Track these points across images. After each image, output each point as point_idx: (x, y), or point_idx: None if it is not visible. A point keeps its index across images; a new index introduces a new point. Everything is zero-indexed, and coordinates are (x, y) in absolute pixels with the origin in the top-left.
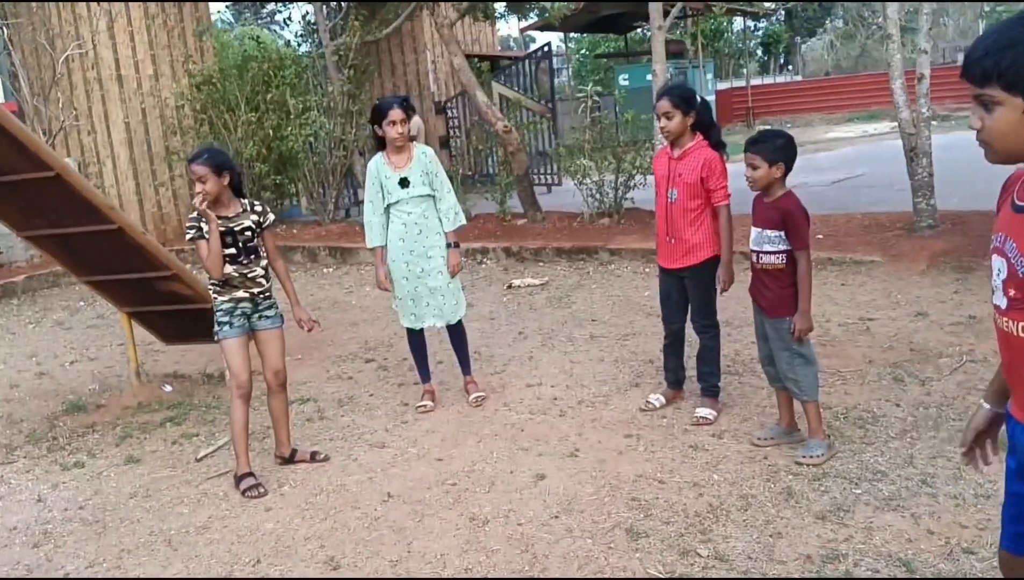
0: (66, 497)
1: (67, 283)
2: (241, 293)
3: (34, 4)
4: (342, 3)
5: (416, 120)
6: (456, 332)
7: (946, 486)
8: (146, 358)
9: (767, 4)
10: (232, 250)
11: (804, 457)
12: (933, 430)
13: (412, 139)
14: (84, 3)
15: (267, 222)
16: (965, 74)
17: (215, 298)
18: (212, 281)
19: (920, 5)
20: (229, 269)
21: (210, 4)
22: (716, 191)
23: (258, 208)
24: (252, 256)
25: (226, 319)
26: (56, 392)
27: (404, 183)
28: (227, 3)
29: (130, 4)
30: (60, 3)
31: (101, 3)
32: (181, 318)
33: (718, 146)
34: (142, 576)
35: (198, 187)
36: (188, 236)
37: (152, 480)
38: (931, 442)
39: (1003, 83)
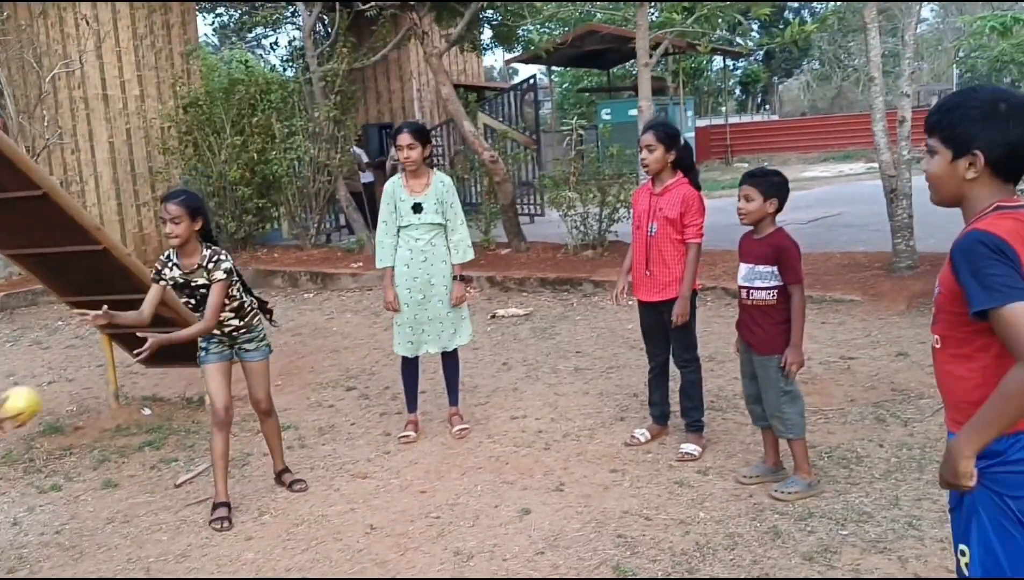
0: (42, 521)
1: (45, 302)
2: (215, 331)
3: (23, 22)
4: (331, 30)
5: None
6: (450, 360)
7: (932, 529)
8: (125, 380)
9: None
10: (192, 301)
11: (777, 491)
12: (917, 472)
13: (394, 166)
14: (73, 22)
15: (215, 280)
16: (925, 125)
17: None
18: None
19: (902, 48)
20: (196, 315)
21: (199, 27)
22: (689, 227)
23: (210, 265)
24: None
25: (204, 345)
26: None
27: (417, 208)
28: (213, 27)
29: (119, 24)
30: (49, 23)
31: (90, 23)
32: None
33: (695, 189)
34: (142, 576)
35: (169, 227)
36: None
37: (130, 505)
38: (916, 484)
39: (940, 136)
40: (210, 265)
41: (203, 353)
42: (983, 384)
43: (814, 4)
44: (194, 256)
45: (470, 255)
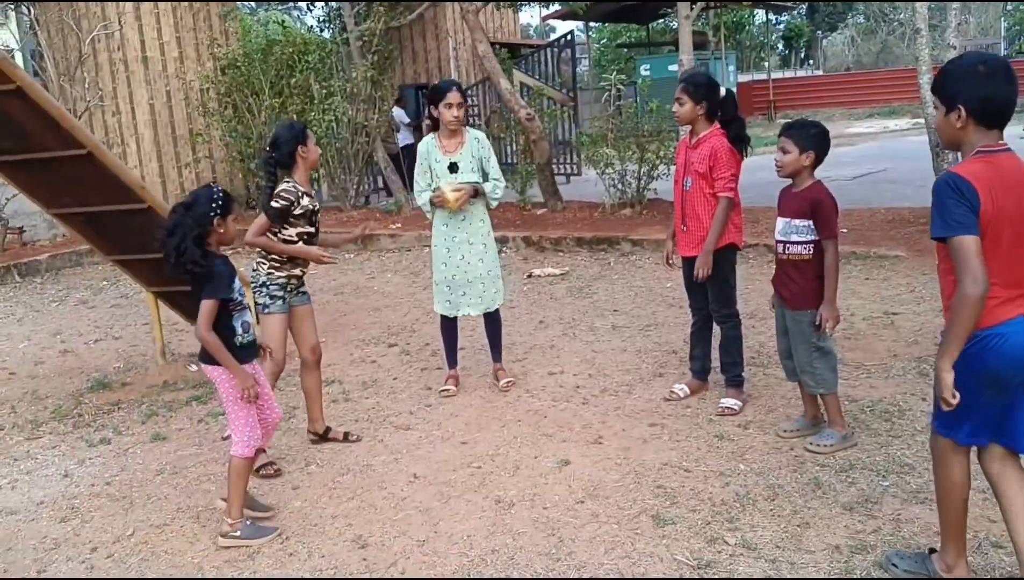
0: (93, 473)
1: (90, 262)
2: (298, 270)
3: None
4: None
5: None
6: (492, 319)
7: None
8: (171, 338)
9: None
10: (311, 229)
11: (812, 444)
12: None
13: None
14: None
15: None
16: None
17: (269, 273)
18: (271, 256)
19: (947, 3)
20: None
21: None
22: (718, 180)
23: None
24: (317, 236)
25: (280, 293)
26: (81, 370)
27: (453, 168)
28: None
29: None
30: None
31: None
32: None
33: (738, 140)
34: (143, 576)
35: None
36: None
37: (179, 458)
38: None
39: (938, 95)
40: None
41: (279, 301)
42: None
43: None
44: (308, 183)
45: (499, 193)
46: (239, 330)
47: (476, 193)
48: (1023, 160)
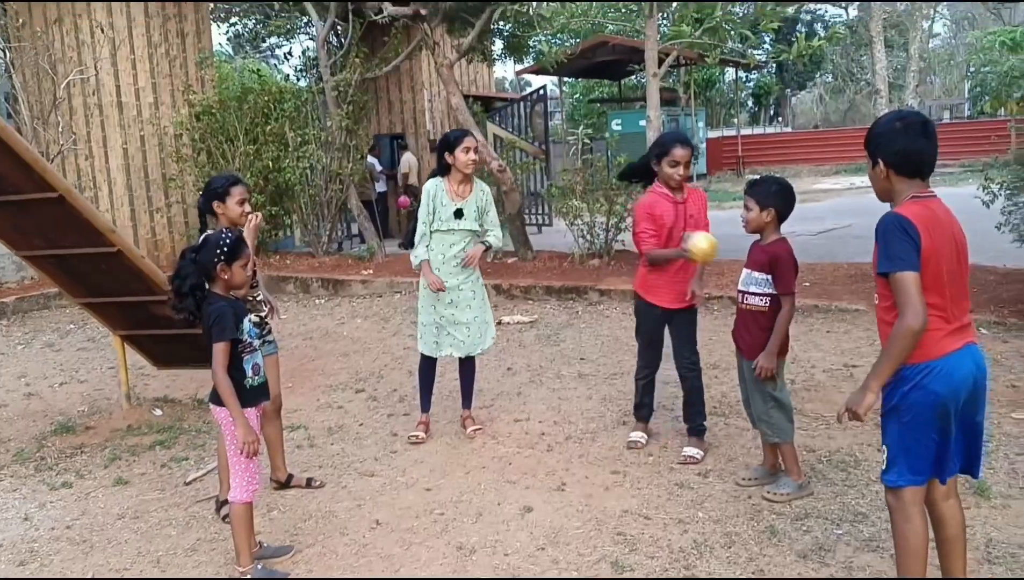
0: (53, 516)
1: (58, 305)
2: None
3: (38, 29)
4: (344, 40)
5: (410, 157)
6: (468, 365)
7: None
8: (137, 382)
9: (759, 57)
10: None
11: (770, 492)
12: None
13: (405, 176)
14: (88, 30)
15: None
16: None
17: None
18: None
19: (907, 62)
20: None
21: (213, 36)
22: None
23: None
24: (257, 279)
25: (263, 337)
26: (45, 413)
27: (459, 214)
28: (228, 36)
29: (134, 32)
30: (64, 30)
31: (105, 31)
32: (174, 343)
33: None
34: (147, 576)
35: (247, 207)
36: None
37: (140, 502)
38: None
39: (867, 151)
40: None
41: (267, 341)
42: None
43: (826, 17)
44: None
45: (498, 243)
46: (248, 372)
47: (487, 248)
48: (949, 208)
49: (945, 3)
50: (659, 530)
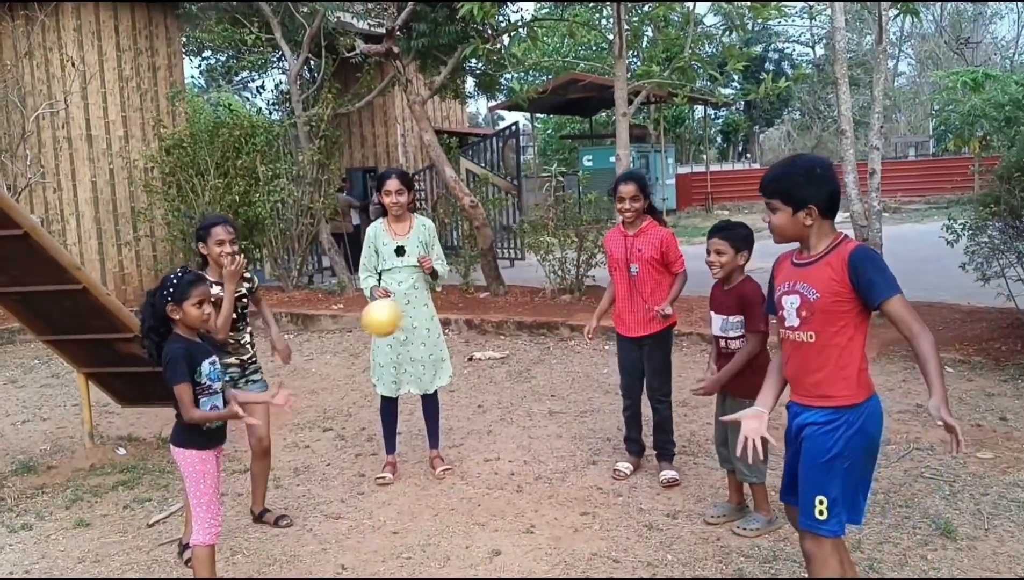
0: (12, 560)
1: (22, 341)
2: (232, 360)
3: (8, 62)
4: (317, 76)
5: None
6: (430, 403)
7: (891, 572)
8: (100, 420)
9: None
10: (232, 316)
11: (739, 528)
12: (880, 516)
13: (379, 209)
14: (59, 63)
15: (255, 286)
16: (761, 190)
17: None
18: None
19: (872, 103)
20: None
21: (185, 70)
22: (676, 262)
23: (247, 274)
24: (243, 322)
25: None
26: (6, 451)
27: (400, 251)
28: (200, 69)
29: (105, 66)
30: (35, 63)
31: (76, 65)
32: (140, 380)
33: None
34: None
35: (227, 248)
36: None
37: (102, 545)
38: (878, 528)
39: (780, 198)
40: (247, 273)
41: (253, 382)
42: (849, 362)
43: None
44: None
45: (445, 273)
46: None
47: (435, 274)
48: None
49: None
50: (627, 574)
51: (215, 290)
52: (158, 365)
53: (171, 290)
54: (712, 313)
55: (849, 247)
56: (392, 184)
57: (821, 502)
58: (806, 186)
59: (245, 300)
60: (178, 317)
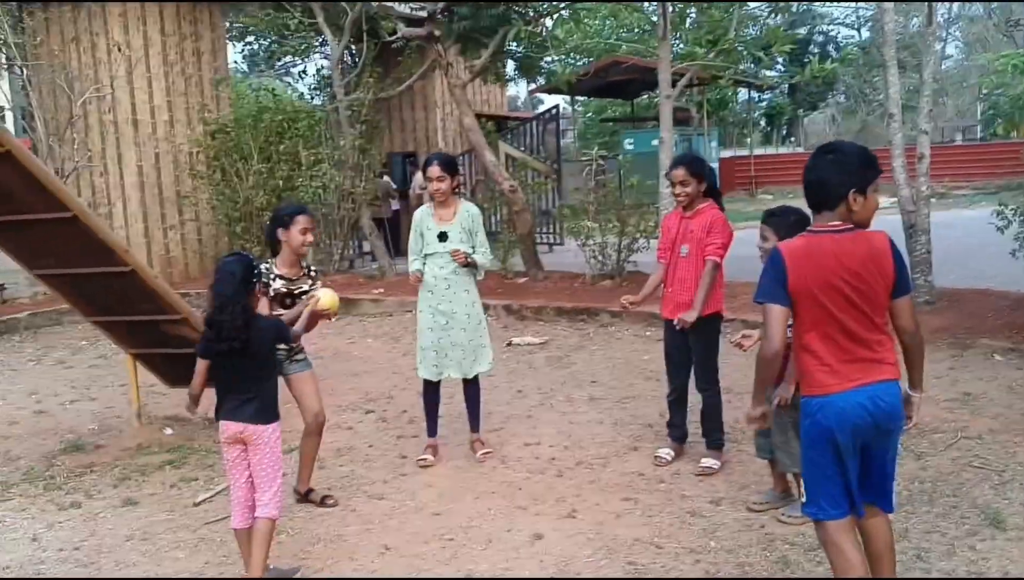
0: (61, 537)
1: (70, 322)
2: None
3: (55, 47)
4: (358, 60)
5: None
6: (471, 387)
7: (940, 561)
8: (148, 400)
9: (772, 77)
10: (283, 312)
11: (785, 515)
12: (928, 505)
13: (419, 196)
14: (105, 48)
15: (317, 278)
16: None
17: None
18: None
19: (921, 86)
20: None
21: (228, 54)
22: (710, 245)
23: (313, 272)
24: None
25: (296, 352)
26: (55, 431)
27: (443, 237)
28: (243, 54)
29: (150, 51)
30: (81, 48)
31: (122, 50)
32: (186, 361)
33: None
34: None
35: (310, 237)
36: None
37: (149, 523)
38: (926, 516)
39: (850, 184)
40: (313, 272)
41: (297, 361)
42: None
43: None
44: (297, 266)
45: (487, 263)
46: None
47: (467, 263)
48: (852, 241)
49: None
50: (670, 559)
51: (277, 284)
52: (244, 345)
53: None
54: None
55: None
56: (434, 170)
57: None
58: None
59: (302, 297)
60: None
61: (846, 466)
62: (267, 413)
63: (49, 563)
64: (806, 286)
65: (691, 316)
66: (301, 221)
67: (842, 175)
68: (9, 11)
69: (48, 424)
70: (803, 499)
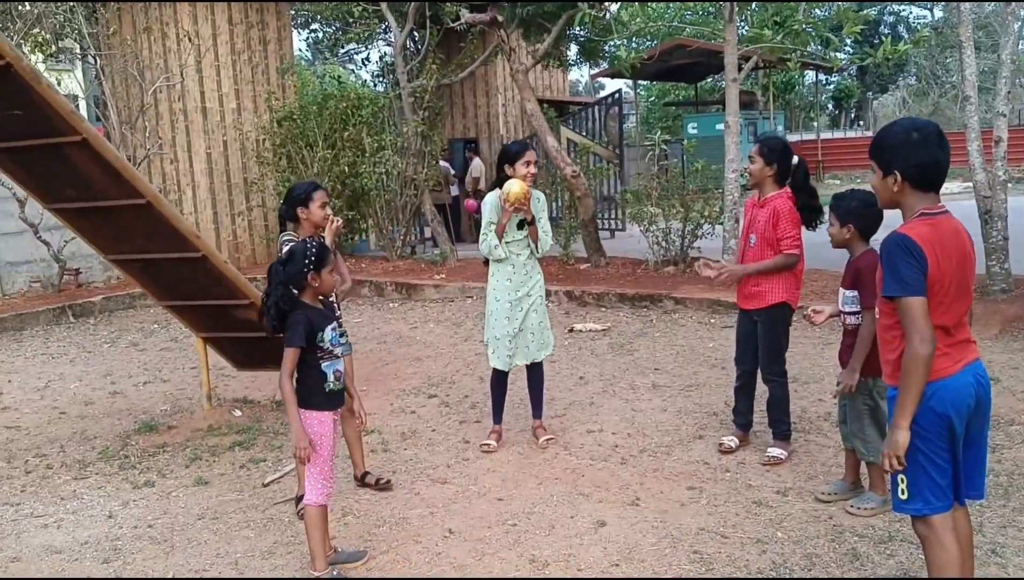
0: (136, 515)
1: (142, 305)
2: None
3: (128, 37)
4: (421, 47)
5: (479, 162)
6: (536, 373)
7: (1016, 557)
8: (218, 382)
9: (840, 59)
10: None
11: (853, 507)
12: (1003, 499)
13: (476, 180)
14: (175, 38)
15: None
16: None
17: None
18: None
19: (999, 67)
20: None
21: (293, 42)
22: (784, 239)
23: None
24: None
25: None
26: (129, 411)
27: (522, 225)
28: (307, 41)
29: (218, 40)
30: (152, 38)
31: (192, 39)
32: (255, 345)
33: (806, 209)
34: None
35: (328, 210)
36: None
37: (220, 503)
38: (1001, 511)
39: (874, 159)
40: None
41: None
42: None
43: (910, 19)
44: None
45: (548, 243)
46: (330, 377)
47: (532, 222)
48: (959, 222)
49: None
50: (736, 549)
51: None
52: (277, 334)
53: (312, 258)
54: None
55: (896, 230)
56: (532, 155)
57: (901, 481)
58: (895, 150)
59: None
60: (316, 284)
61: (957, 453)
62: (299, 397)
63: (124, 540)
64: (940, 272)
65: (729, 278)
66: (319, 197)
67: (949, 161)
68: (84, 2)
69: (122, 405)
70: (903, 496)
